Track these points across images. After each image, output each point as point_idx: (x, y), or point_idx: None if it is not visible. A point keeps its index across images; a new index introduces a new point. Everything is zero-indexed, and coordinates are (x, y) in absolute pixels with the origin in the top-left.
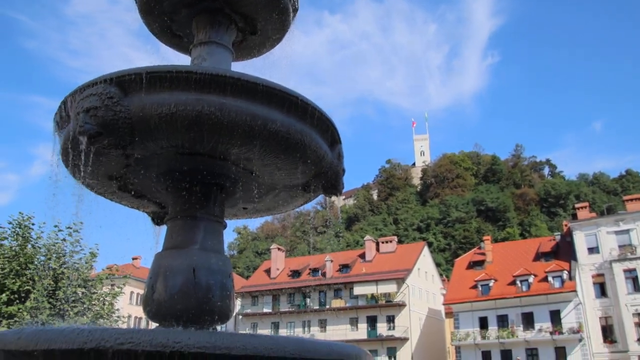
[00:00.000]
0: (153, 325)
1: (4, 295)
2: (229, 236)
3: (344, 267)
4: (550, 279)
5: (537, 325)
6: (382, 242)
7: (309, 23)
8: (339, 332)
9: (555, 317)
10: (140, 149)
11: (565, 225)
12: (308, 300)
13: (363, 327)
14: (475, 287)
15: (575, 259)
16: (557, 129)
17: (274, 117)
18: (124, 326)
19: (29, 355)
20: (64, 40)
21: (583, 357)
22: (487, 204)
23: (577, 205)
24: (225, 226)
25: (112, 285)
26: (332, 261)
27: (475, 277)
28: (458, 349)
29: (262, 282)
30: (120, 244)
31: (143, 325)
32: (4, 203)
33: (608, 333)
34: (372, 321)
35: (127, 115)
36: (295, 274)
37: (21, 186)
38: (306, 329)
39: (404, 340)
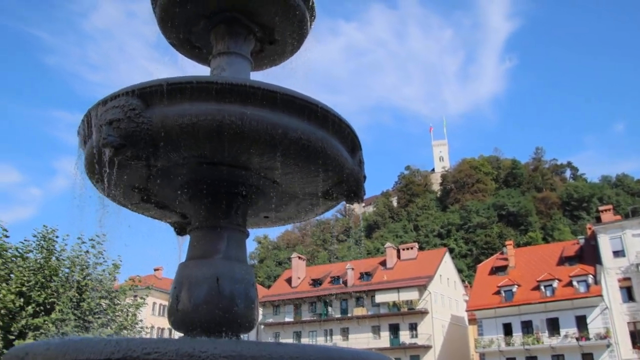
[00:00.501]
0: (177, 335)
1: (29, 307)
2: (250, 246)
3: (365, 275)
4: (575, 283)
5: (562, 331)
6: (403, 249)
7: (324, 31)
8: (361, 340)
9: (582, 322)
10: (162, 159)
11: (589, 228)
12: (330, 308)
13: (385, 335)
14: (498, 292)
15: (600, 262)
16: (577, 131)
17: (294, 126)
18: (148, 337)
19: None
20: (83, 55)
21: None
22: (508, 209)
23: (600, 208)
24: (247, 235)
25: (135, 296)
26: (353, 269)
27: (498, 282)
28: (482, 356)
29: (284, 292)
30: (142, 255)
31: (166, 335)
32: (28, 216)
33: (637, 338)
34: (394, 329)
35: (149, 127)
36: (317, 282)
37: (44, 200)
38: (328, 337)
39: (427, 348)
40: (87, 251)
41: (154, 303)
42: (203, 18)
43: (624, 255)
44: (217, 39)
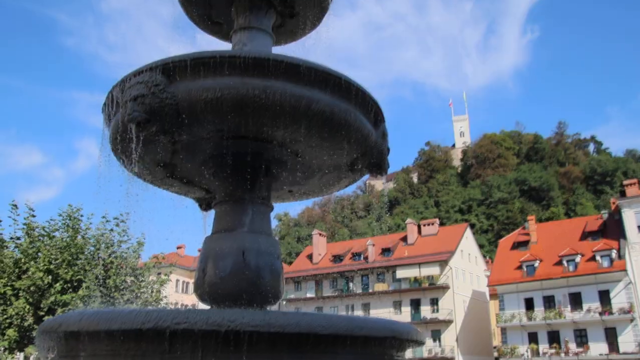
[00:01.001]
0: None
1: (57, 284)
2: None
3: (386, 251)
4: (598, 258)
5: (585, 306)
6: (424, 225)
7: (343, 6)
8: (382, 315)
9: (605, 297)
10: (187, 134)
11: (613, 203)
12: (351, 284)
13: (407, 310)
14: (520, 267)
15: (624, 237)
16: (601, 104)
17: (317, 98)
18: None
19: (91, 335)
20: (101, 36)
21: (635, 337)
22: (530, 184)
23: (625, 182)
24: (272, 209)
25: (158, 273)
26: (374, 245)
27: (520, 257)
28: (504, 331)
29: (305, 268)
30: (165, 233)
31: None
32: (52, 197)
33: None
34: (415, 304)
35: (174, 102)
36: (337, 258)
37: (67, 180)
38: (350, 312)
39: (448, 322)
40: (112, 229)
41: (177, 280)
42: None
43: None
44: (238, 13)
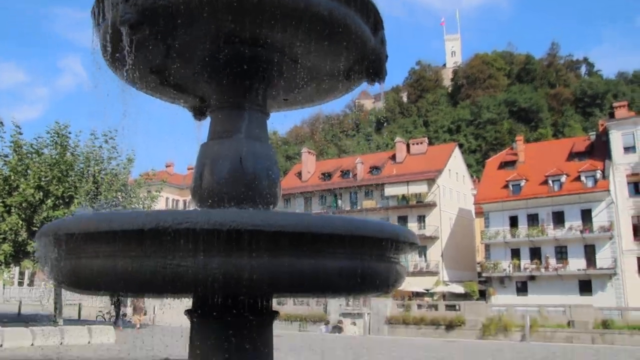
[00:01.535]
0: None
1: (49, 200)
2: None
3: (375, 169)
4: (583, 178)
5: (567, 224)
6: (413, 144)
7: None
8: None
9: (587, 215)
10: (181, 36)
11: (602, 124)
12: (339, 201)
13: None
14: (506, 186)
15: (610, 158)
16: (595, 24)
17: (316, 0)
18: None
19: (91, 236)
20: None
21: (612, 254)
22: (519, 105)
23: (615, 104)
24: (268, 116)
25: (149, 191)
26: (362, 163)
27: (507, 177)
28: (488, 247)
29: (294, 185)
30: (154, 151)
31: None
32: (36, 116)
33: (639, 231)
34: (403, 221)
35: (167, 2)
36: (326, 176)
37: (51, 99)
38: None
39: (434, 239)
40: (101, 146)
41: (167, 198)
42: None
43: (634, 151)
44: None
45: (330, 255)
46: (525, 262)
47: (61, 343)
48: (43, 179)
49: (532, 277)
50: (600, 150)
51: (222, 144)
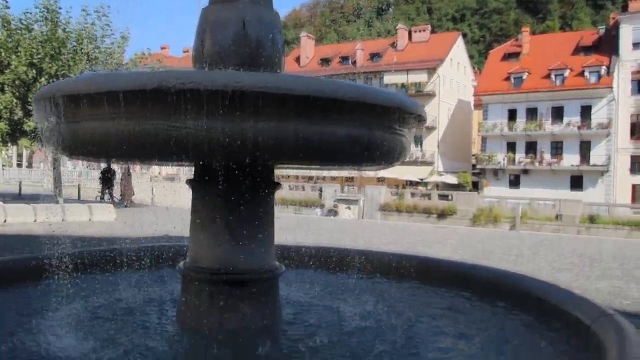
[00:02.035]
0: None
1: (42, 79)
2: None
3: (375, 56)
4: (586, 73)
5: (565, 120)
6: (415, 31)
7: None
8: None
9: (586, 112)
10: None
11: (613, 18)
12: None
13: None
14: (507, 79)
15: (617, 54)
16: None
17: None
18: None
19: (91, 98)
20: None
21: (607, 151)
22: None
23: None
24: None
25: None
26: (362, 49)
27: (509, 69)
28: (484, 139)
29: (292, 70)
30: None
31: None
32: None
33: (637, 129)
34: None
35: None
36: (325, 62)
37: None
38: None
39: (431, 129)
40: (94, 23)
41: None
42: None
43: None
44: None
45: (337, 121)
46: (520, 155)
47: (63, 220)
48: (35, 56)
49: (525, 171)
50: (607, 45)
51: (225, 9)
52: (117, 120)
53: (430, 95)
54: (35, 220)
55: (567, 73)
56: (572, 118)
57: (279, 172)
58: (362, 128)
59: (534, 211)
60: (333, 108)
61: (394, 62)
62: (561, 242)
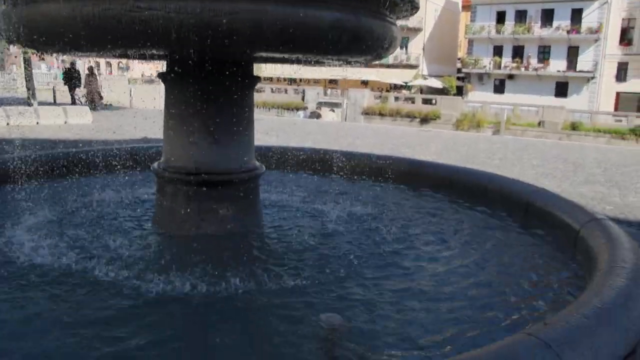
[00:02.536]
0: None
1: None
2: None
3: None
4: None
5: (555, 23)
6: None
7: None
8: None
9: (576, 16)
10: None
11: None
12: None
13: None
14: None
15: None
16: None
17: None
18: None
19: None
20: None
21: (595, 57)
22: None
23: None
24: None
25: None
26: None
27: None
28: (471, 42)
29: None
30: None
31: None
32: None
33: (626, 35)
34: None
35: None
36: None
37: None
38: None
39: (417, 30)
40: None
41: None
42: None
43: None
44: None
45: (321, 4)
46: (506, 60)
47: (37, 123)
48: None
49: (511, 76)
50: None
51: None
52: (78, 2)
53: None
54: (7, 124)
55: None
56: (562, 22)
57: (260, 75)
58: (349, 13)
59: (517, 117)
60: None
61: None
62: (545, 147)
